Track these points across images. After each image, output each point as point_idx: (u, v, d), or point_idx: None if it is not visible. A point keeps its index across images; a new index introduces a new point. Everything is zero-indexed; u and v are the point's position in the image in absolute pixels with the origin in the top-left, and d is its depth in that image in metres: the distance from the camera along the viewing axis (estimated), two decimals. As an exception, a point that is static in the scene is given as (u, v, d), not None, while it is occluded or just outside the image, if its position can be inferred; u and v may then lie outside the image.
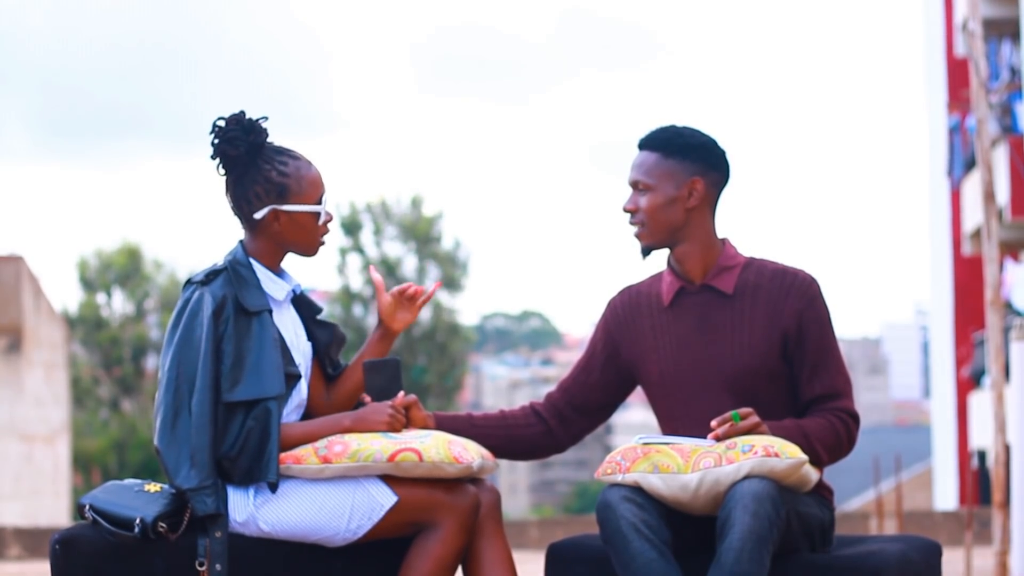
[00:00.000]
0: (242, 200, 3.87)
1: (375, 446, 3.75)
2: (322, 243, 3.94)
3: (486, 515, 3.83)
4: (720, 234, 4.03)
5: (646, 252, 4.01)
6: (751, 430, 3.75)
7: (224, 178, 3.89)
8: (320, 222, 3.90)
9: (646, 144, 4.01)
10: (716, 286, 3.97)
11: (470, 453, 3.79)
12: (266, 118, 3.88)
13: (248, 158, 3.85)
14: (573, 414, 4.15)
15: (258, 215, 3.86)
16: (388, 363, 3.95)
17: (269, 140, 3.89)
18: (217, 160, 3.87)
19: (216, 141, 3.85)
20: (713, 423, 3.76)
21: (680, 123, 4.02)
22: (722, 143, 4.01)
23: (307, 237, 3.91)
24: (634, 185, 4.00)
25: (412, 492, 3.75)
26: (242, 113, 3.86)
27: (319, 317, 4.03)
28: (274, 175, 3.85)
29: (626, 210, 4.00)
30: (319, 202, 3.88)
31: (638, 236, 4.00)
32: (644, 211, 3.97)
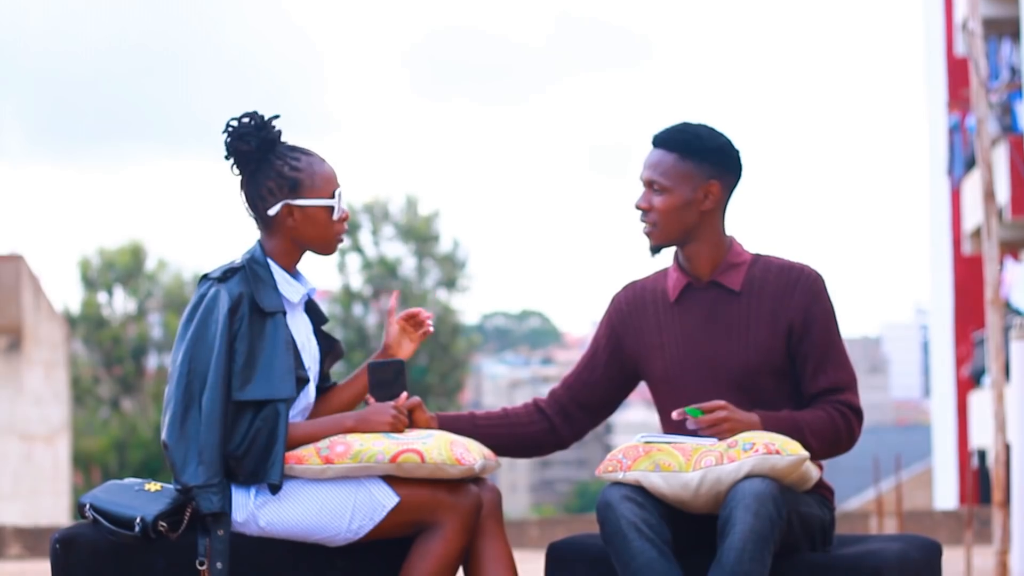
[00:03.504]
0: (256, 197, 3.86)
1: (377, 447, 3.75)
2: (340, 240, 3.92)
3: (487, 515, 3.83)
4: (728, 232, 4.03)
5: (655, 250, 4.00)
6: (718, 424, 3.75)
7: (239, 178, 3.89)
8: (335, 217, 3.89)
9: (663, 143, 3.97)
10: (723, 283, 3.96)
11: (472, 454, 3.79)
12: (277, 116, 3.89)
13: (260, 154, 3.85)
14: (577, 410, 4.14)
15: (272, 211, 3.85)
16: (392, 364, 3.95)
17: (283, 140, 3.89)
18: (231, 159, 3.87)
19: (229, 139, 3.86)
20: (674, 415, 3.79)
21: (695, 121, 3.99)
22: (736, 141, 4.00)
23: (322, 233, 3.89)
24: (648, 184, 3.96)
25: (414, 492, 3.75)
26: (255, 112, 3.87)
27: (324, 328, 4.03)
28: (286, 170, 3.85)
29: (639, 208, 3.98)
30: (332, 196, 3.88)
31: (649, 234, 3.97)
32: (658, 211, 3.94)
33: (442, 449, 3.75)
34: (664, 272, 4.09)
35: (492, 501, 3.86)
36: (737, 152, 3.98)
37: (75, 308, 45.09)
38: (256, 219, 3.90)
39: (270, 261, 3.88)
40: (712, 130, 3.97)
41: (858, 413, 3.94)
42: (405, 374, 3.94)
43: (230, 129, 3.85)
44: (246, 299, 3.78)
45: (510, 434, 4.12)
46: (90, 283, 45.74)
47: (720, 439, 3.76)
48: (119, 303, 46.08)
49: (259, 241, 3.91)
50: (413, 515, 3.75)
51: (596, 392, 4.13)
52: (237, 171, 3.88)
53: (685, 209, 3.94)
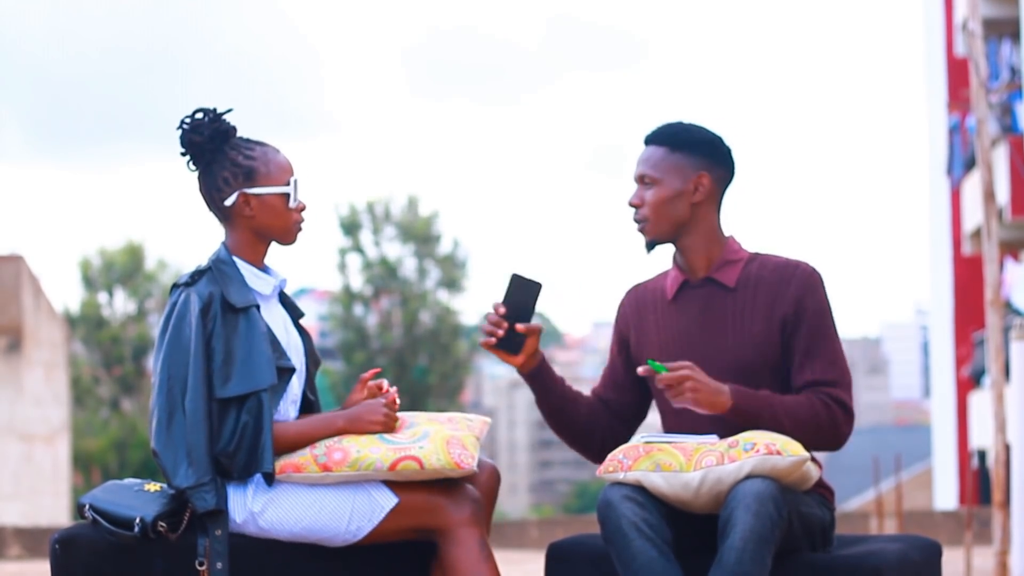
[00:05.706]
0: (212, 189, 3.88)
1: (375, 454, 3.73)
2: (299, 229, 3.93)
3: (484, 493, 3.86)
4: (726, 232, 4.03)
5: (650, 247, 4.00)
6: (680, 383, 3.74)
7: (196, 173, 3.91)
8: (291, 205, 3.90)
9: (652, 139, 4.00)
10: (718, 279, 3.96)
11: (468, 451, 3.78)
12: (230, 110, 3.91)
13: (214, 145, 3.87)
14: (613, 421, 4.13)
15: (228, 201, 3.87)
16: (533, 285, 3.90)
17: (239, 135, 3.92)
18: (186, 154, 3.89)
19: (182, 134, 3.88)
20: (640, 370, 3.78)
21: (686, 120, 4.02)
22: (729, 140, 4.01)
23: (280, 221, 3.90)
24: (640, 179, 3.99)
25: (413, 495, 3.74)
26: (207, 108, 3.89)
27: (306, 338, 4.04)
28: (241, 159, 3.87)
29: (631, 204, 3.99)
30: (287, 184, 3.89)
31: (642, 231, 3.98)
32: (649, 205, 3.96)
33: (440, 454, 3.73)
34: (666, 273, 4.10)
35: (488, 483, 3.88)
36: (728, 148, 4.00)
37: (75, 308, 45.13)
38: (215, 213, 3.92)
39: (235, 258, 3.89)
40: (702, 127, 4.00)
41: (844, 407, 3.86)
42: (537, 300, 3.90)
43: (184, 125, 3.88)
44: (216, 298, 3.79)
45: (587, 415, 4.08)
46: (90, 283, 45.78)
47: (678, 402, 3.75)
48: (119, 303, 46.13)
49: (223, 242, 3.93)
50: (413, 517, 3.74)
51: (624, 398, 4.11)
52: (193, 166, 3.91)
53: (675, 200, 3.95)
